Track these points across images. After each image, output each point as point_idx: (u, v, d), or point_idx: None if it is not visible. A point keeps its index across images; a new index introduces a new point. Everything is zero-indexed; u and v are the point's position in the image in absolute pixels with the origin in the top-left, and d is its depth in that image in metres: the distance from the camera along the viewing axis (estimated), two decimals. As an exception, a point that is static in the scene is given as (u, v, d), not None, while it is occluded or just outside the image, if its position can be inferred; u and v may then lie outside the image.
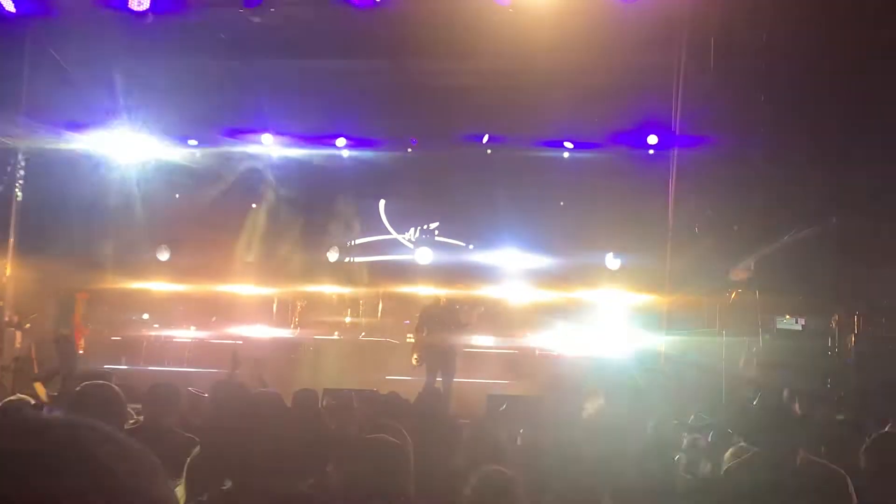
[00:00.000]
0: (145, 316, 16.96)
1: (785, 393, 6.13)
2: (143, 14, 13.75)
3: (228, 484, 4.09)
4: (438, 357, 13.30)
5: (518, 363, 15.33)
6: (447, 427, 6.41)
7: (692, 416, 9.30)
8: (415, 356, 13.46)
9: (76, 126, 16.83)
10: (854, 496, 4.26)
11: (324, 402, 8.09)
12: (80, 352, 14.20)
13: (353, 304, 17.95)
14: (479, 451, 5.51)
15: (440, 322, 13.68)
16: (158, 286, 17.82)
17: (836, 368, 11.38)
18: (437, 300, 14.71)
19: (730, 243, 13.19)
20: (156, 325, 16.88)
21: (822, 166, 11.95)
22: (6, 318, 15.56)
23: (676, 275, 14.66)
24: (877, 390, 10.32)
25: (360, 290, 17.98)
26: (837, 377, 11.21)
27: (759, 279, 12.25)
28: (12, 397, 5.82)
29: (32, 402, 5.71)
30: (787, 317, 12.02)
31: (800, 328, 12.02)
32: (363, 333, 17.36)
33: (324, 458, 4.94)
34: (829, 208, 11.97)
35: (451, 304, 14.24)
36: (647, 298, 15.74)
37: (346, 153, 18.22)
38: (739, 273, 12.72)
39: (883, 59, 11.50)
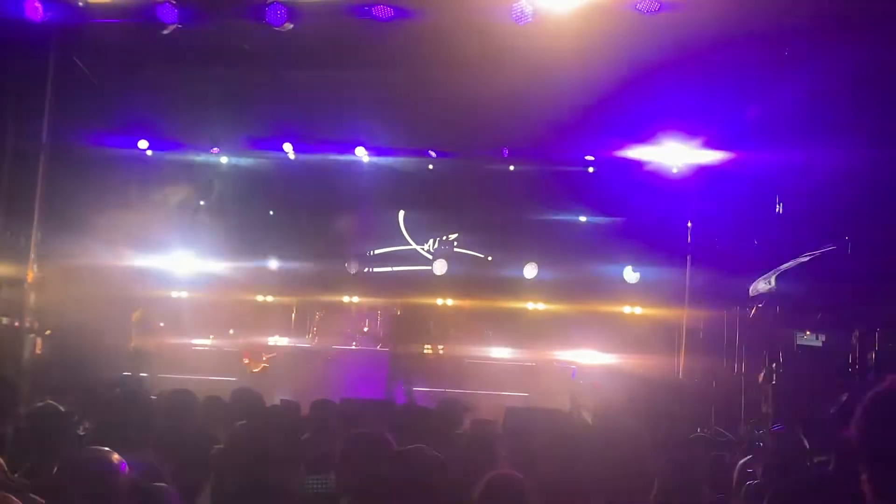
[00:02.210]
0: (161, 324, 17.01)
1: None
2: (169, 25, 13.85)
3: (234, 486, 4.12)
4: (403, 366, 13.68)
5: (537, 375, 15.30)
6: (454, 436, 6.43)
7: (708, 432, 9.24)
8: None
9: (101, 133, 17.01)
10: None
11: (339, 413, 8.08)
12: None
13: (371, 314, 17.96)
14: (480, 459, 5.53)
15: (405, 332, 14.11)
16: (175, 293, 17.93)
17: (856, 385, 11.28)
18: (399, 312, 15.12)
19: (750, 256, 13.14)
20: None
21: (844, 181, 11.88)
22: (27, 325, 15.67)
23: (696, 289, 14.62)
24: None
25: (379, 301, 17.99)
26: (857, 394, 11.12)
27: (780, 294, 12.17)
28: (40, 403, 5.84)
29: (61, 408, 5.73)
30: (808, 333, 11.93)
31: (820, 344, 11.94)
32: (380, 345, 17.35)
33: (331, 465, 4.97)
34: (850, 223, 11.88)
35: (416, 315, 14.57)
36: (665, 312, 15.70)
37: (365, 162, 18.25)
38: (759, 288, 12.64)
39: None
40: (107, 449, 3.83)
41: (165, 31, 14.00)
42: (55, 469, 3.77)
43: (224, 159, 18.36)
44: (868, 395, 2.68)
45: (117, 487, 3.69)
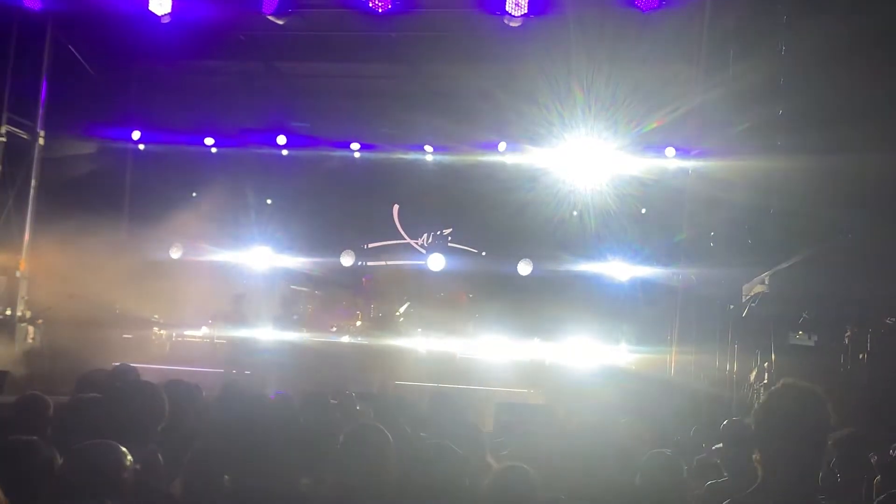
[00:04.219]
0: (155, 316, 16.99)
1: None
2: (163, 16, 13.84)
3: (227, 479, 4.12)
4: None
5: (528, 372, 15.27)
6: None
7: (693, 430, 9.24)
8: None
9: (94, 122, 16.99)
10: None
11: (336, 408, 8.06)
12: None
13: (364, 307, 17.91)
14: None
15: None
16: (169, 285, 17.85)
17: (847, 385, 11.32)
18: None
19: (744, 257, 13.15)
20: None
21: (838, 181, 11.90)
22: (19, 314, 15.66)
23: (690, 287, 14.62)
24: (888, 408, 10.28)
25: (372, 294, 17.94)
26: (848, 393, 11.15)
27: (773, 294, 12.18)
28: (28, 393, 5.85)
29: (46, 398, 5.73)
30: (801, 332, 11.95)
31: (812, 344, 11.95)
32: (372, 338, 17.27)
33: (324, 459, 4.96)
34: (845, 223, 11.91)
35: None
36: (658, 309, 15.69)
37: (359, 157, 18.19)
38: (753, 287, 12.66)
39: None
40: (113, 442, 3.85)
41: (164, 21, 13.99)
42: (62, 460, 3.79)
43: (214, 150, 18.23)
44: (764, 394, 3.52)
45: (123, 480, 3.72)
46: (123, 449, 3.77)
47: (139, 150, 18.32)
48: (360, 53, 16.26)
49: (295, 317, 17.22)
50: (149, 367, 14.22)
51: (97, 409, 4.74)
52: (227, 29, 15.52)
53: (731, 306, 13.48)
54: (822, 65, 12.14)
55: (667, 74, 15.63)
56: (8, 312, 15.63)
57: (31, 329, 15.42)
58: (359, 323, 17.49)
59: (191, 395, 6.07)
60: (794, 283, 11.67)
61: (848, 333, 11.64)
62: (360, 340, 16.87)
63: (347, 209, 18.39)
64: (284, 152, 18.10)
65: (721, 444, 6.52)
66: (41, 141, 16.63)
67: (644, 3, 12.69)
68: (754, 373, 12.48)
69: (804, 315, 11.98)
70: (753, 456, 3.40)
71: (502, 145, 17.26)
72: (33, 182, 16.52)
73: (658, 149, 16.10)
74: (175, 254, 18.12)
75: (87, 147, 17.16)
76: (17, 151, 16.25)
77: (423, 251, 19.06)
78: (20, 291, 15.95)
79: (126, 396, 4.75)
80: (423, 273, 18.42)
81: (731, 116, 13.52)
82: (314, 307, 17.97)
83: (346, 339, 16.93)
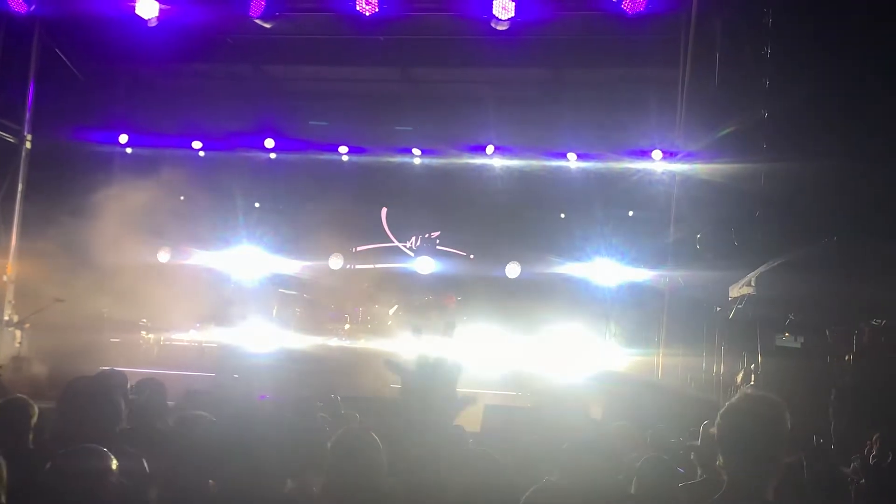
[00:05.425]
0: (143, 320, 16.93)
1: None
2: (149, 20, 13.84)
3: (212, 484, 4.11)
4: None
5: (516, 374, 15.27)
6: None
7: (689, 432, 9.25)
8: None
9: (81, 125, 16.95)
10: None
11: (321, 411, 8.07)
12: None
13: (352, 311, 17.91)
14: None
15: None
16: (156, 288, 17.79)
17: (833, 386, 11.38)
18: None
19: (730, 259, 13.20)
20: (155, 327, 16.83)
21: (824, 183, 11.96)
22: (6, 318, 15.61)
23: (676, 290, 14.67)
24: (873, 409, 10.33)
25: (361, 298, 17.94)
26: (834, 395, 11.21)
27: (760, 296, 12.23)
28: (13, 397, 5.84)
29: (31, 401, 5.71)
30: (787, 334, 12.00)
31: (798, 346, 12.00)
32: (361, 342, 17.28)
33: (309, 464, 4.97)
34: (830, 226, 11.97)
35: None
36: (645, 311, 15.74)
37: (347, 160, 18.17)
38: (739, 289, 12.70)
39: (889, 78, 11.53)
40: (98, 447, 3.84)
41: (151, 25, 13.98)
42: (48, 466, 3.78)
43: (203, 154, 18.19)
44: (725, 405, 3.59)
45: (108, 485, 3.71)
46: (109, 454, 3.77)
47: (126, 153, 18.26)
48: (348, 57, 16.28)
49: (283, 320, 17.20)
50: (137, 372, 14.25)
51: (82, 414, 4.73)
52: (215, 32, 15.51)
53: (718, 308, 13.52)
54: (808, 69, 12.21)
55: (653, 77, 15.69)
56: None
57: (17, 333, 15.36)
58: (347, 326, 17.49)
59: (180, 398, 6.07)
60: (781, 284, 11.70)
61: (834, 335, 11.69)
62: (348, 344, 16.86)
63: (336, 212, 18.32)
64: (272, 155, 18.07)
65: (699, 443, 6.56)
66: (28, 144, 16.59)
67: (630, 5, 12.74)
68: (741, 375, 12.52)
69: (790, 317, 12.03)
70: (717, 462, 3.59)
71: (490, 148, 17.26)
72: (20, 185, 16.48)
73: (644, 151, 16.15)
74: (163, 257, 18.08)
75: (75, 150, 17.10)
76: (4, 154, 16.21)
77: (412, 254, 19.06)
78: (7, 295, 15.90)
79: (110, 401, 4.74)
80: (411, 276, 18.42)
81: (716, 119, 13.58)
82: (303, 310, 17.93)
83: (334, 342, 16.92)
